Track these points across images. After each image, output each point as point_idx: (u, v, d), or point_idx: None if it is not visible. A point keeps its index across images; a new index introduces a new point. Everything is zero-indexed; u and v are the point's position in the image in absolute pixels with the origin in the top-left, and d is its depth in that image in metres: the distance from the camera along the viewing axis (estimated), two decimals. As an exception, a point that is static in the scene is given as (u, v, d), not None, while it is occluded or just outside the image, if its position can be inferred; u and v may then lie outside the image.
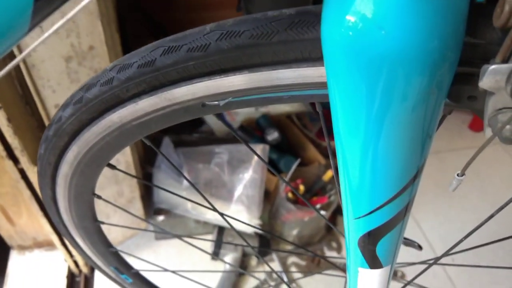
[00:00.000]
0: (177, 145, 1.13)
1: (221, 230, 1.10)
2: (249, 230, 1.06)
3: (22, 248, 1.08)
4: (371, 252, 0.27)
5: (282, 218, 1.09)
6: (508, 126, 0.19)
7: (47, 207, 0.44)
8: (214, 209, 0.45)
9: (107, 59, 0.72)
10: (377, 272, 0.29)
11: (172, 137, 1.21)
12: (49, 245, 1.09)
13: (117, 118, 0.29)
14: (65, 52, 0.67)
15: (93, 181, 0.40)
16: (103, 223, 0.48)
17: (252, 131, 1.17)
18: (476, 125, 1.48)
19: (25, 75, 0.68)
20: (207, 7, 1.47)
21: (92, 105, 0.28)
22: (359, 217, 0.25)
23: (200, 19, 1.49)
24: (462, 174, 0.25)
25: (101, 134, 0.31)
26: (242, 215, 1.03)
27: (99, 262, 0.55)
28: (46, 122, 0.73)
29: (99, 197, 0.42)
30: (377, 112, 0.19)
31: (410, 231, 1.21)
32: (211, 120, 1.24)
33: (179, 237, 0.57)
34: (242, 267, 1.10)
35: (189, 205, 1.04)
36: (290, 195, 1.04)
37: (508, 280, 1.10)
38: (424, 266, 0.41)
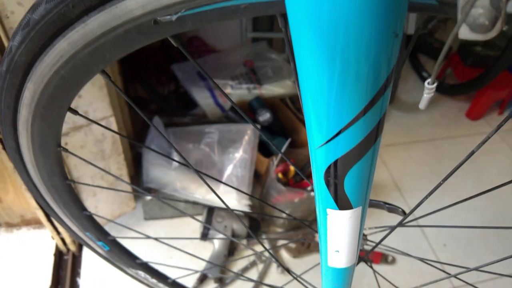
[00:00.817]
0: (168, 126, 1.12)
1: (210, 211, 1.09)
2: (238, 209, 1.04)
3: (10, 225, 1.07)
4: (338, 188, 0.26)
5: (273, 200, 1.08)
6: (480, 11, 0.17)
7: (13, 162, 0.42)
8: (208, 185, 0.43)
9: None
10: (347, 214, 0.28)
11: (163, 119, 1.20)
12: (37, 223, 1.07)
13: (67, 45, 0.27)
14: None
15: (56, 129, 0.38)
16: (73, 181, 0.46)
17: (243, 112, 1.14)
18: (473, 113, 1.46)
19: None
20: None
21: (39, 29, 0.26)
22: (323, 144, 0.23)
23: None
24: (433, 82, 0.23)
25: (55, 66, 0.29)
26: (232, 196, 1.01)
27: (74, 227, 0.54)
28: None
29: (65, 149, 0.41)
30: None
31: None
32: (204, 102, 1.22)
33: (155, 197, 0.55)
34: (231, 249, 1.08)
35: (178, 184, 1.03)
36: (280, 176, 1.03)
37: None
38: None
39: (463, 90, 1.41)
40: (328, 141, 0.23)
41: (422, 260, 0.48)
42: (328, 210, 0.28)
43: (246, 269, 1.04)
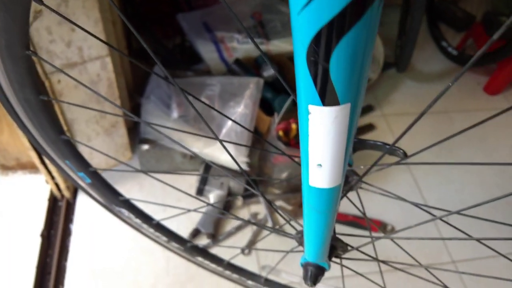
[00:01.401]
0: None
1: (207, 166, 1.06)
2: (236, 167, 1.01)
3: (5, 168, 1.05)
4: (323, 74, 0.21)
5: (272, 159, 1.04)
6: None
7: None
8: (214, 135, 0.39)
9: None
10: (332, 112, 0.23)
11: (166, 71, 1.15)
12: (32, 167, 1.06)
13: None
14: None
15: (22, 24, 0.34)
16: (49, 98, 0.43)
17: (248, 67, 1.10)
18: (492, 88, 1.39)
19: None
20: None
21: None
22: (305, 6, 0.19)
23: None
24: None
25: None
26: (230, 151, 0.97)
27: (52, 154, 0.51)
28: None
29: (34, 53, 0.37)
30: None
31: (407, 189, 1.15)
32: (208, 56, 1.17)
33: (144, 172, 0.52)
34: (227, 207, 1.06)
35: (176, 136, 0.99)
36: (281, 134, 0.99)
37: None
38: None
39: (484, 61, 1.33)
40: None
41: (416, 205, 0.44)
42: (310, 107, 0.24)
43: (240, 227, 1.02)
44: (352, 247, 0.47)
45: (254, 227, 1.02)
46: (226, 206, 1.06)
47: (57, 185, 1.00)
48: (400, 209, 1.09)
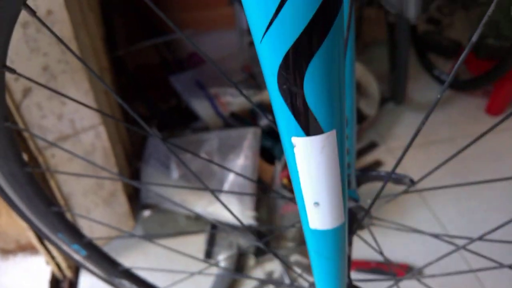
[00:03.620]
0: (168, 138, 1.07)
1: (214, 226, 1.02)
2: (244, 223, 0.96)
3: (5, 252, 1.02)
4: (298, 100, 0.19)
5: (280, 210, 1.00)
6: None
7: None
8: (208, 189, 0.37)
9: (69, 27, 0.67)
10: (317, 142, 0.21)
11: (164, 133, 1.16)
12: (32, 249, 1.02)
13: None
14: (21, 17, 0.62)
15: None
16: (33, 168, 0.41)
17: (245, 118, 1.09)
18: (493, 109, 1.37)
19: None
20: (200, 6, 1.44)
21: None
22: (266, 29, 0.17)
23: (193, 18, 1.46)
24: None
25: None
26: (234, 207, 0.94)
27: (43, 228, 0.48)
28: (8, 99, 0.67)
29: (14, 124, 0.35)
30: None
31: (427, 223, 1.09)
32: (204, 112, 1.17)
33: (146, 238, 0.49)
34: (239, 267, 1.00)
35: (177, 197, 0.96)
36: (285, 181, 0.95)
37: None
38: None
39: (479, 84, 1.33)
40: (271, 22, 0.17)
41: (436, 236, 0.40)
42: (294, 140, 0.21)
43: None
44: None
45: (271, 287, 0.96)
46: (238, 266, 1.00)
47: (58, 265, 0.96)
48: (421, 243, 1.02)
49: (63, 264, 0.94)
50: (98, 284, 0.96)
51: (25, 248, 1.02)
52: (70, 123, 0.76)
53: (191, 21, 1.45)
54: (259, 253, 0.98)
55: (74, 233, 0.50)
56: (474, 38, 0.23)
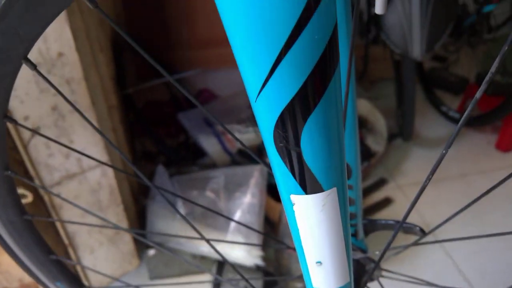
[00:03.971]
0: (175, 175, 1.07)
1: (220, 265, 0.99)
2: (249, 262, 0.94)
3: (8, 292, 1.00)
4: (296, 159, 0.19)
5: (288, 250, 0.97)
6: None
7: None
8: (203, 237, 0.37)
9: (79, 68, 0.69)
10: (317, 200, 0.20)
11: (171, 170, 1.15)
12: (36, 287, 1.00)
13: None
14: (32, 59, 0.64)
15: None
16: (33, 217, 0.40)
17: (252, 155, 1.09)
18: (503, 144, 1.35)
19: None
20: (210, 44, 1.47)
21: None
22: (261, 90, 0.17)
23: (203, 56, 1.50)
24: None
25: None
26: (240, 246, 0.92)
27: (41, 276, 0.47)
28: (16, 138, 0.68)
29: (14, 173, 0.35)
30: None
31: (441, 264, 1.05)
32: (212, 149, 1.17)
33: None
34: (245, 308, 0.96)
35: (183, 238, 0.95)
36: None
37: None
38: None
39: (488, 120, 1.32)
40: (265, 82, 0.17)
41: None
42: (293, 198, 0.21)
43: (262, 330, 0.92)
44: None
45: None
46: (244, 307, 0.97)
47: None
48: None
49: (65, 305, 0.92)
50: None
51: (28, 287, 1.00)
52: (77, 162, 0.77)
53: (201, 59, 1.48)
54: (266, 295, 0.95)
55: (73, 282, 0.48)
56: (493, 69, 0.22)
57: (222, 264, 0.99)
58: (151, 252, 0.96)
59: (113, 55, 1.10)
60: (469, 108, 0.24)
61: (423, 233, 0.38)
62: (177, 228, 0.94)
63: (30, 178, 0.74)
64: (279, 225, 1.01)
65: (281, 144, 0.18)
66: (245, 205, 0.93)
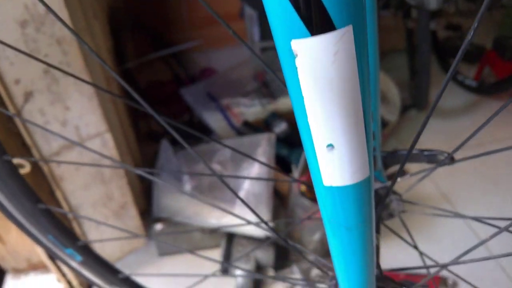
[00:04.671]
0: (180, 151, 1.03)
1: (229, 239, 0.95)
2: (260, 234, 0.90)
3: (17, 271, 0.98)
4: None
5: (300, 221, 0.93)
6: None
7: None
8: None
9: (69, 26, 0.65)
10: (328, 44, 0.16)
11: (177, 147, 1.12)
12: (44, 267, 0.98)
13: None
14: (19, 15, 0.61)
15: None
16: (11, 157, 0.37)
17: (257, 127, 1.05)
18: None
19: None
20: (211, 23, 1.43)
21: None
22: None
23: (205, 35, 1.46)
24: None
25: None
26: (249, 217, 0.88)
27: (31, 228, 0.44)
28: (8, 102, 0.65)
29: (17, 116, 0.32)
30: None
31: (457, 228, 1.00)
32: (216, 124, 1.13)
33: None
34: (257, 281, 0.93)
35: (190, 210, 0.91)
36: (304, 190, 0.89)
37: None
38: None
39: (505, 87, 1.25)
40: None
41: (476, 219, 0.34)
42: (294, 44, 0.16)
43: (275, 304, 0.88)
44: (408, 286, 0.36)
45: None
46: (257, 282, 0.93)
47: (69, 282, 0.91)
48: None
49: (74, 282, 0.89)
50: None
51: (37, 267, 0.98)
52: (75, 130, 0.73)
53: (201, 38, 1.44)
54: (278, 266, 0.91)
55: (67, 235, 0.45)
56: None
57: (231, 238, 0.95)
58: (158, 226, 0.92)
59: (111, 30, 1.06)
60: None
61: (452, 160, 0.33)
62: (184, 203, 0.91)
63: (27, 148, 0.71)
64: (289, 197, 0.97)
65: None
66: (253, 175, 0.89)
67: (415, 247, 0.40)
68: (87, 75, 0.70)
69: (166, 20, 1.40)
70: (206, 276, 0.49)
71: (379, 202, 0.35)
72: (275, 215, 0.96)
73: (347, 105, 0.18)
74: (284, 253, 0.93)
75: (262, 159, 0.89)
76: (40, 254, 0.86)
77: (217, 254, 0.96)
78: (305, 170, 0.93)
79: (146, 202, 1.04)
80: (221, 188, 0.93)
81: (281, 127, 1.00)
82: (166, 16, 1.40)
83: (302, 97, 0.18)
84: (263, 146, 0.90)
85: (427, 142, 1.27)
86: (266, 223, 0.38)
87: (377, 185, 0.35)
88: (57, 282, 0.94)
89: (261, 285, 0.92)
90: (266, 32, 1.16)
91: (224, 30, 1.53)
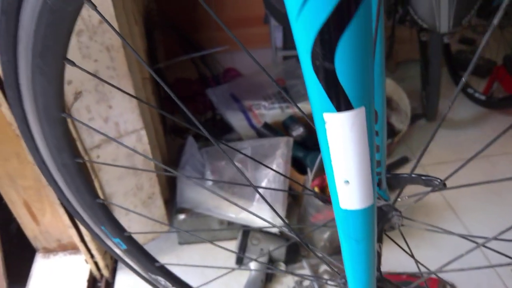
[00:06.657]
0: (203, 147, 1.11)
1: (245, 233, 1.03)
2: (274, 229, 0.98)
3: (47, 250, 1.07)
4: (330, 75, 0.22)
5: (311, 219, 1.01)
6: None
7: (21, 133, 0.42)
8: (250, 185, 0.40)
9: (117, 36, 0.73)
10: (348, 118, 0.23)
11: (200, 143, 1.20)
12: (73, 248, 1.07)
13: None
14: (76, 26, 0.69)
15: (57, 87, 0.37)
16: (84, 160, 0.45)
17: (277, 129, 1.12)
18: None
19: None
20: (237, 25, 1.50)
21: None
22: (301, 8, 0.20)
23: (229, 37, 1.52)
24: None
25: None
26: (265, 214, 0.96)
27: (88, 220, 0.52)
28: (60, 101, 0.73)
29: (69, 115, 0.40)
30: None
31: (460, 241, 1.06)
32: (238, 124, 1.21)
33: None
34: (269, 274, 1.01)
35: (211, 203, 0.99)
36: (316, 189, 0.97)
37: None
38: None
39: (512, 102, 1.30)
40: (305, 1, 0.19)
41: (463, 236, 0.40)
42: (325, 116, 0.24)
43: (284, 294, 0.96)
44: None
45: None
46: (268, 274, 1.01)
47: (96, 264, 1.00)
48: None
49: (101, 263, 0.98)
50: (134, 284, 1.00)
51: (66, 248, 1.07)
52: (115, 126, 0.82)
53: (228, 39, 1.51)
54: (289, 261, 0.99)
55: (116, 227, 0.53)
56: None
57: (247, 232, 1.03)
58: (181, 217, 1.01)
59: (145, 31, 1.14)
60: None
61: (443, 185, 0.40)
62: (206, 196, 0.99)
63: (73, 140, 0.79)
64: (302, 196, 1.05)
65: (317, 62, 0.21)
66: (270, 175, 0.97)
67: (411, 255, 0.48)
68: (129, 78, 0.78)
69: (194, 21, 1.47)
70: (233, 269, 0.56)
71: (383, 217, 0.42)
72: (289, 211, 1.04)
73: (359, 156, 0.25)
74: (295, 248, 1.01)
75: (280, 160, 0.97)
76: (72, 235, 0.94)
77: (233, 246, 1.04)
78: (318, 173, 1.00)
79: (170, 193, 1.12)
80: (241, 186, 1.01)
81: (298, 130, 1.07)
82: (194, 17, 1.47)
83: (329, 149, 0.25)
84: (282, 149, 0.98)
85: (434, 150, 1.33)
86: (284, 220, 0.45)
87: (381, 202, 0.42)
88: (85, 263, 1.04)
89: (272, 277, 1.00)
90: (288, 43, 1.22)
91: (249, 33, 1.60)
